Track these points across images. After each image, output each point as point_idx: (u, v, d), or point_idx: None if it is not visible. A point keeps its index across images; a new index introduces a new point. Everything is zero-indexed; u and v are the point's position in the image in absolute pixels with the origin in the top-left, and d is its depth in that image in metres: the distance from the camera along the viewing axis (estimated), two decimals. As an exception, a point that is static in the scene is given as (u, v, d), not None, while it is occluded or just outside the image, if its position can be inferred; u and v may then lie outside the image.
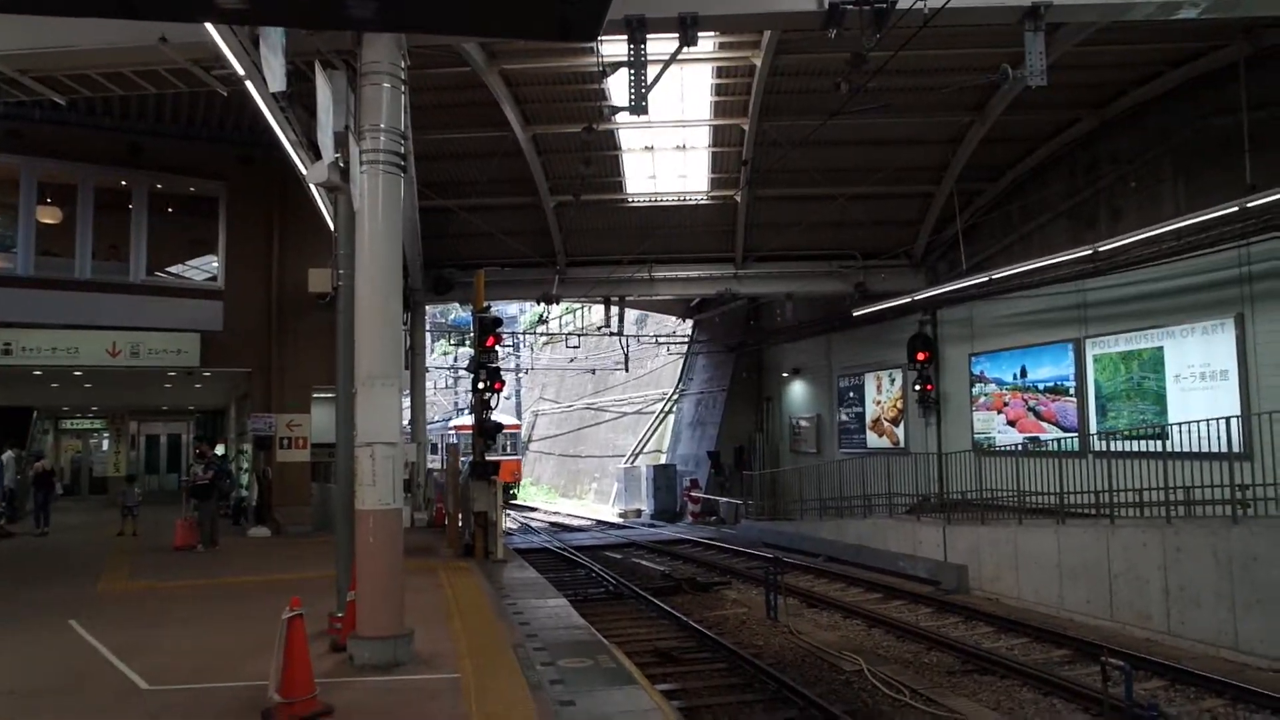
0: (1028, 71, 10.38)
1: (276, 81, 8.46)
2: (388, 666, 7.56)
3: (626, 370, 35.05)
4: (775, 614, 13.99)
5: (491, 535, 14.51)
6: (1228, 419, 12.42)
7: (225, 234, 19.94)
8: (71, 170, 18.43)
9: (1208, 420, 12.65)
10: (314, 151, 10.29)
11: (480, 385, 15.76)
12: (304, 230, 19.06)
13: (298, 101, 11.14)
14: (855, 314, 22.46)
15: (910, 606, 15.04)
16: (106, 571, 13.39)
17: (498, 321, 15.91)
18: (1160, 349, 15.57)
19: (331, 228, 11.41)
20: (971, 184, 19.93)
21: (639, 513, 33.08)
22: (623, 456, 38.74)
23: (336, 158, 8.17)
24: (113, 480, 29.95)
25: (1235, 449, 12.47)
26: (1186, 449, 12.97)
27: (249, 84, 10.18)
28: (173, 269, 21.00)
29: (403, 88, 8.36)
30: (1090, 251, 15.75)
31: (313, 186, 12.25)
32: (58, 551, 14.12)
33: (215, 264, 20.23)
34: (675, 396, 36.55)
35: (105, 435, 33.28)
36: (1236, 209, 12.84)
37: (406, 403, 21.88)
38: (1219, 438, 12.30)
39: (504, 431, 28.85)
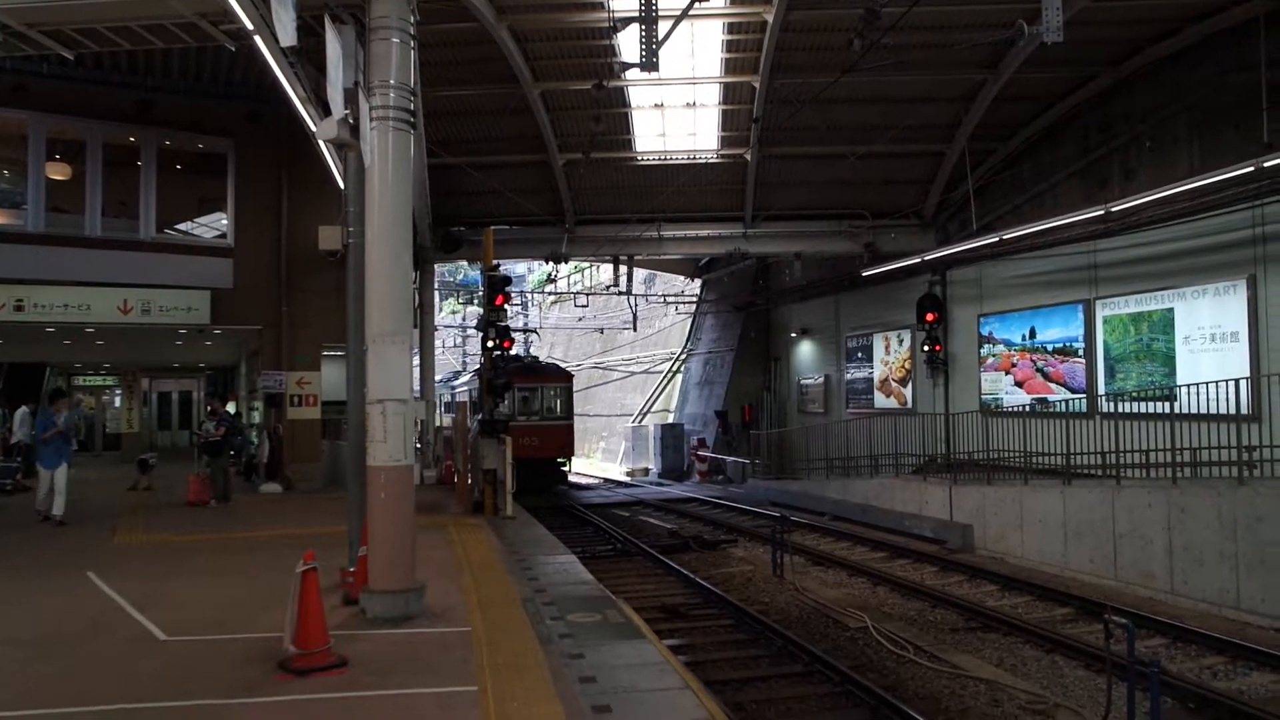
0: (1044, 27, 10.23)
1: (286, 36, 8.39)
2: (399, 620, 7.69)
3: (635, 330, 35.05)
4: (781, 572, 14.14)
5: (500, 492, 14.64)
6: (1236, 381, 12.40)
7: (234, 191, 19.90)
8: (80, 126, 18.36)
9: (1216, 382, 12.64)
10: (323, 108, 10.24)
11: (489, 344, 15.81)
12: (313, 188, 19.01)
13: (306, 57, 11.06)
14: (864, 274, 22.39)
15: (915, 565, 15.18)
16: (122, 525, 13.58)
17: (507, 280, 15.94)
18: (1171, 310, 15.51)
19: (341, 185, 11.41)
20: (983, 143, 19.72)
21: (646, 471, 33.30)
22: (630, 416, 38.92)
23: (346, 114, 8.14)
24: (126, 436, 30.25)
25: (1243, 411, 12.47)
26: (1194, 411, 12.97)
27: (257, 39, 10.10)
28: (182, 226, 21.01)
29: (412, 43, 8.30)
30: (1102, 212, 15.63)
31: (322, 143, 12.21)
32: (72, 505, 14.29)
33: (225, 221, 20.21)
34: (683, 356, 36.59)
35: (118, 392, 33.53)
36: (1252, 169, 12.71)
37: (416, 361, 21.96)
38: (1228, 399, 12.30)
39: (546, 387, 24.48)
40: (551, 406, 24.60)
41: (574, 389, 25.90)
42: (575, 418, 25.93)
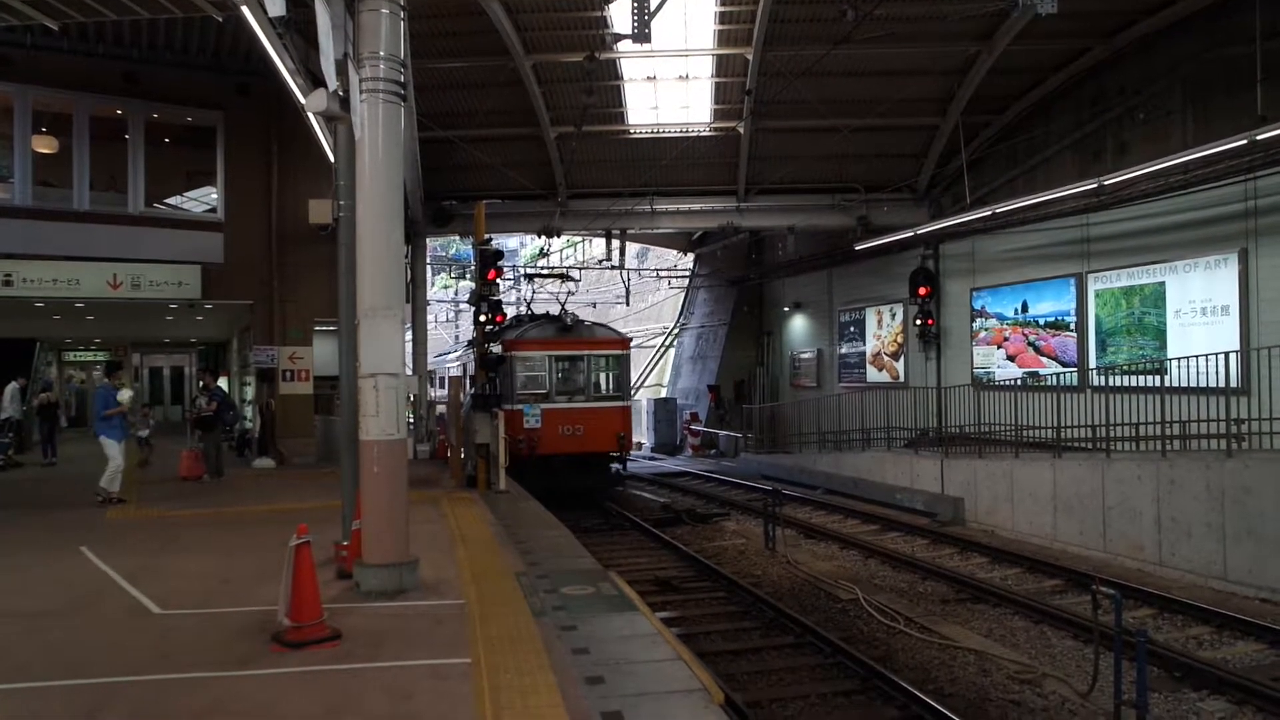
0: (1038, -1, 10.19)
1: (275, 6, 8.30)
2: (393, 593, 7.71)
3: (628, 304, 35.00)
4: (773, 545, 14.24)
5: (493, 467, 14.66)
6: (1226, 354, 12.46)
7: (224, 165, 19.75)
8: (66, 98, 18.17)
9: (1206, 355, 12.70)
10: (312, 80, 10.15)
11: (482, 318, 15.77)
12: (303, 161, 18.89)
13: (295, 28, 10.94)
14: (857, 248, 22.37)
15: (906, 538, 15.29)
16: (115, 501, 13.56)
17: (499, 254, 15.85)
18: (1162, 284, 15.55)
19: (331, 158, 11.31)
20: (977, 116, 19.66)
21: (639, 445, 33.40)
22: (623, 390, 38.86)
23: (336, 86, 8.05)
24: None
25: (1233, 384, 12.54)
26: (1184, 384, 13.04)
27: (245, 9, 10.00)
28: (172, 200, 20.85)
29: (402, 14, 8.20)
30: (1095, 185, 15.61)
31: (312, 116, 12.09)
32: (66, 481, 14.30)
33: (214, 196, 20.07)
34: (676, 330, 36.59)
35: (109, 367, 33.37)
36: (1245, 142, 12.69)
37: (409, 336, 21.83)
38: (1217, 373, 12.36)
39: (595, 355, 18.86)
40: (601, 382, 18.94)
41: (628, 356, 19.60)
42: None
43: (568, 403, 18.14)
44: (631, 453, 20.49)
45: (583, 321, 19.44)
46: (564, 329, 18.62)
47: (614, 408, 18.55)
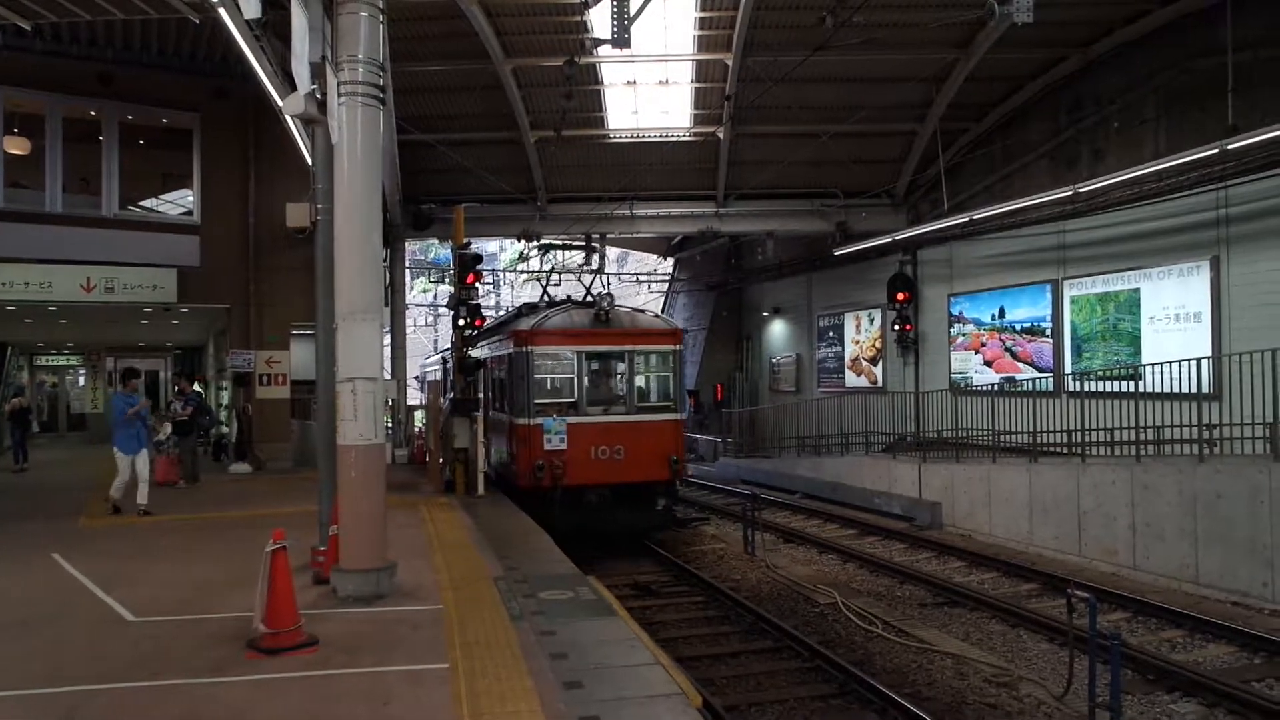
0: (1015, 7, 10.27)
1: (250, 8, 8.25)
2: (371, 598, 7.67)
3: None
4: (753, 549, 14.26)
5: (471, 472, 14.61)
6: (1198, 360, 12.61)
7: (201, 167, 19.57)
8: (39, 99, 17.96)
9: (1180, 361, 12.86)
10: (290, 83, 10.08)
11: (461, 322, 15.72)
12: (281, 164, 18.76)
13: (273, 30, 10.86)
14: (836, 253, 22.47)
15: (884, 542, 15.36)
16: (88, 506, 13.41)
17: (478, 258, 15.79)
18: (1137, 291, 15.72)
19: (309, 161, 11.25)
20: (955, 123, 19.82)
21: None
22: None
23: (313, 89, 8.01)
24: (91, 416, 29.78)
25: (1205, 390, 12.70)
26: (1158, 390, 13.19)
27: (221, 11, 9.92)
28: (147, 203, 20.65)
29: (381, 17, 8.18)
30: (1070, 192, 15.79)
31: (289, 119, 12.03)
32: (37, 487, 14.09)
33: (191, 198, 19.89)
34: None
35: (82, 372, 33.03)
36: (1217, 151, 12.87)
37: (387, 340, 21.68)
38: (1190, 378, 12.51)
39: (638, 352, 14.52)
40: (646, 387, 14.92)
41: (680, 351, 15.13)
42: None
43: (603, 415, 14.08)
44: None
45: (619, 307, 14.91)
46: (598, 316, 14.28)
47: (664, 422, 14.29)
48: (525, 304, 17.39)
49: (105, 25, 16.68)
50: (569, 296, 17.06)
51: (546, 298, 16.90)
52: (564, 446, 13.55)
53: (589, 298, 15.39)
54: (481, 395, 16.78)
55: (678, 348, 14.92)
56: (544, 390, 14.10)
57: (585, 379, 14.17)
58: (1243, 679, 8.30)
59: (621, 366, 14.47)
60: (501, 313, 22.41)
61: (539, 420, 13.64)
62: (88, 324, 23.13)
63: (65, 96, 18.14)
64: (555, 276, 18.39)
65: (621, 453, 13.80)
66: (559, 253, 18.00)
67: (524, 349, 13.96)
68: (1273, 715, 7.49)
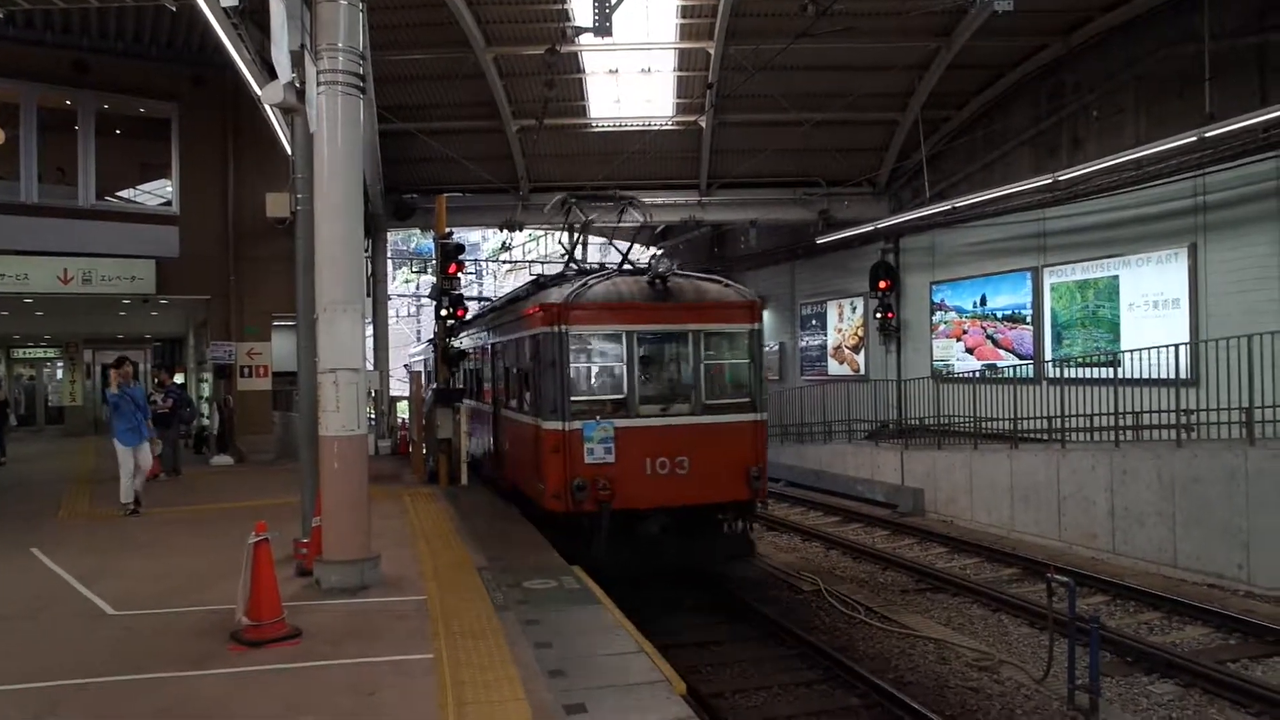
0: (995, -4, 10.31)
1: (227, -4, 8.16)
2: (355, 590, 7.65)
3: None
4: (736, 537, 14.24)
5: (455, 462, 14.59)
6: (1176, 346, 12.73)
7: (179, 157, 19.35)
8: (12, 88, 17.70)
9: (1158, 347, 12.97)
10: (269, 72, 9.99)
11: (443, 313, 15.66)
12: (261, 153, 18.56)
13: (251, 18, 10.77)
14: (819, 241, 22.51)
15: (867, 529, 15.46)
16: (67, 500, 13.31)
17: (460, 248, 15.72)
18: (1116, 278, 15.83)
19: (288, 151, 11.16)
20: (937, 111, 19.86)
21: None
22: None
23: (293, 78, 7.94)
24: (69, 409, 29.50)
25: (1183, 375, 12.83)
26: (1137, 375, 13.31)
27: (198, -1, 9.81)
28: (125, 193, 20.43)
29: (361, 5, 8.11)
30: (1050, 180, 15.87)
31: (268, 108, 11.92)
32: (16, 481, 13.96)
33: (169, 188, 19.69)
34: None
35: (59, 364, 32.71)
36: (1195, 139, 12.97)
37: (369, 331, 21.53)
38: (1168, 365, 12.63)
39: (707, 332, 10.94)
40: (719, 377, 11.24)
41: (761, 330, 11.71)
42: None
43: (661, 417, 10.74)
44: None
45: (678, 272, 11.38)
46: (653, 285, 10.85)
47: (741, 423, 10.92)
48: (541, 276, 14.33)
49: (81, 12, 16.46)
50: (602, 264, 14.31)
51: (573, 266, 13.45)
52: (611, 459, 10.29)
53: (626, 264, 12.18)
54: (463, 386, 16.71)
55: (757, 326, 11.37)
56: (584, 384, 10.78)
57: (638, 369, 10.69)
58: (1218, 659, 8.43)
59: (685, 352, 10.93)
60: (488, 300, 19.72)
61: (576, 425, 10.29)
62: (65, 316, 22.89)
63: (40, 85, 17.87)
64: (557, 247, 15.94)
65: (686, 465, 10.50)
66: (585, 212, 14.22)
67: (556, 329, 10.42)
68: (1246, 694, 7.60)
